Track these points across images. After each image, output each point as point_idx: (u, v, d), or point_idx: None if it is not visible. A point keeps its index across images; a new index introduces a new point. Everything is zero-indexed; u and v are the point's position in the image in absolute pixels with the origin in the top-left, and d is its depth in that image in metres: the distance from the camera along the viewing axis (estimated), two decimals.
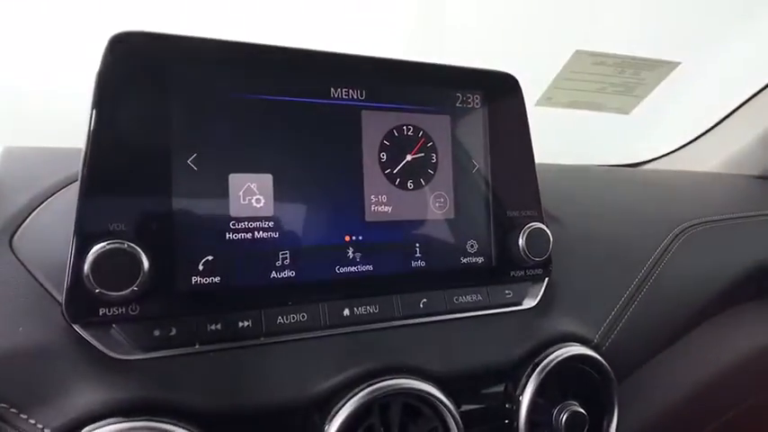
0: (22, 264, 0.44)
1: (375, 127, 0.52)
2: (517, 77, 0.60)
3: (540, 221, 0.57)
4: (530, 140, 0.59)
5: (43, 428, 0.38)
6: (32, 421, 0.38)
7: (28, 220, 0.47)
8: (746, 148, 1.05)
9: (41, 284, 0.43)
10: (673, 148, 1.18)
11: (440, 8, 1.07)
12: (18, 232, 0.46)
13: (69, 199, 0.49)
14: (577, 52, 0.86)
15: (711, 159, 1.10)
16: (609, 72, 0.91)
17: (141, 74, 0.43)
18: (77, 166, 0.51)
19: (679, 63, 0.89)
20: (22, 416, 0.38)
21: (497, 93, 0.58)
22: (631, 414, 0.60)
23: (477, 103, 0.57)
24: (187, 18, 0.84)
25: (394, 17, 1.02)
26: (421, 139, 0.54)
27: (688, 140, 1.17)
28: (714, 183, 0.96)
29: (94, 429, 0.37)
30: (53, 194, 0.50)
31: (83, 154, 0.42)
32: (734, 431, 0.74)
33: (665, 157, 1.19)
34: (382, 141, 0.52)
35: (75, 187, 0.50)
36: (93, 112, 0.42)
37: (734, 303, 0.75)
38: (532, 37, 1.09)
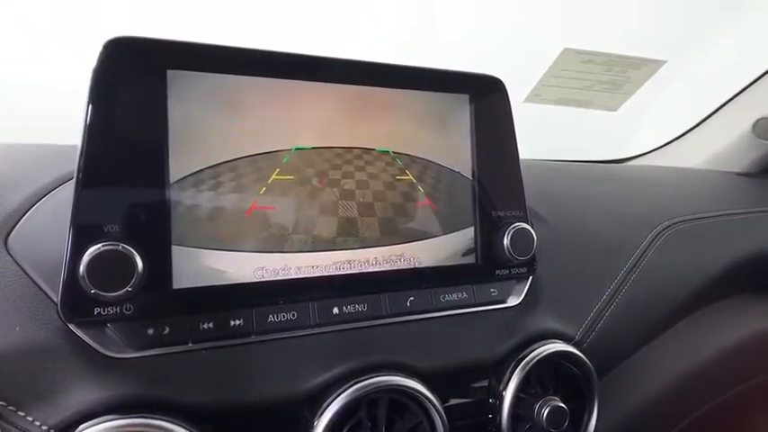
0: (18, 263, 0.45)
1: None
2: (503, 79, 0.61)
3: (524, 221, 0.58)
4: (515, 142, 0.60)
5: (41, 425, 0.39)
6: (30, 419, 0.39)
7: (23, 219, 0.48)
8: (730, 145, 1.07)
9: (36, 284, 0.44)
10: (658, 145, 1.20)
11: (429, 9, 1.08)
12: (13, 232, 0.47)
13: (63, 198, 0.50)
14: (565, 50, 0.87)
15: (696, 156, 1.12)
16: (596, 70, 0.92)
17: (136, 79, 0.44)
18: (70, 164, 0.52)
19: (665, 62, 0.91)
20: (20, 413, 0.39)
21: (483, 95, 0.59)
22: (612, 408, 0.62)
23: (463, 106, 0.58)
24: (181, 22, 0.84)
25: (383, 20, 1.03)
26: None
27: (673, 137, 1.19)
28: (697, 180, 0.98)
29: (91, 426, 0.39)
30: (48, 193, 0.50)
31: (77, 157, 0.42)
32: (711, 424, 0.76)
33: (650, 154, 1.21)
34: None
35: (69, 186, 0.51)
36: (88, 116, 0.42)
37: (715, 299, 0.77)
38: (520, 36, 1.10)
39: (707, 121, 1.14)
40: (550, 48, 0.87)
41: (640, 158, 1.23)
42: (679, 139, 1.19)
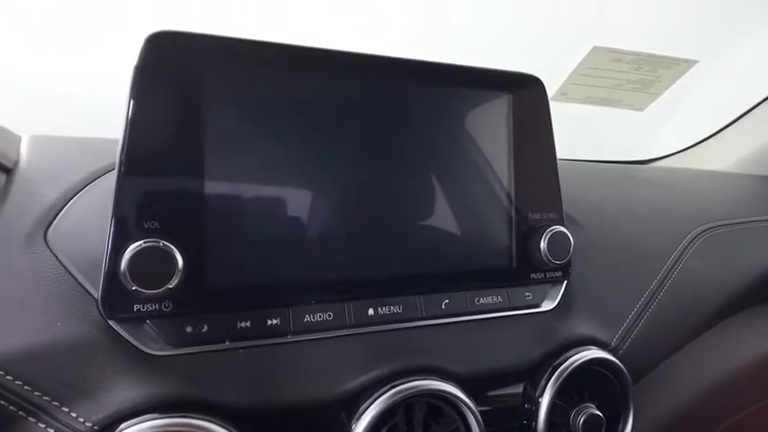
0: (57, 258, 0.45)
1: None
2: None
3: (561, 224, 0.57)
4: (553, 143, 0.59)
5: (84, 422, 0.39)
6: (74, 414, 0.39)
7: (61, 213, 0.48)
8: (762, 148, 1.05)
9: (76, 279, 0.44)
10: (686, 146, 1.18)
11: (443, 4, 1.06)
12: (52, 226, 0.47)
13: (100, 192, 0.50)
14: (595, 48, 0.85)
15: (725, 159, 1.10)
16: (625, 69, 0.91)
17: (177, 75, 0.44)
18: (105, 158, 0.52)
19: (696, 61, 0.89)
20: (64, 409, 0.39)
21: (522, 94, 0.58)
22: (645, 414, 0.61)
23: (502, 105, 0.57)
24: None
25: (397, 14, 1.02)
26: (447, 140, 0.54)
27: (702, 138, 1.17)
28: (730, 183, 0.96)
29: (133, 425, 0.38)
30: (85, 187, 0.50)
31: (118, 154, 0.42)
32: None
33: (677, 155, 1.19)
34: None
35: (105, 180, 0.51)
36: (129, 112, 0.42)
37: (748, 306, 0.76)
38: (548, 33, 1.08)
39: (737, 122, 1.12)
40: (571, 46, 0.86)
41: (666, 160, 1.21)
42: (707, 141, 1.17)
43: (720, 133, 1.14)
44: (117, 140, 0.43)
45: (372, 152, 0.51)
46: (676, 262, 0.69)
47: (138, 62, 0.43)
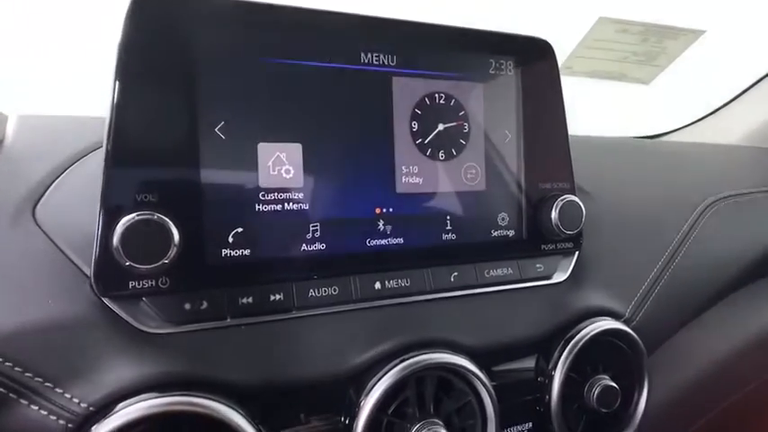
0: (47, 235, 0.43)
1: (406, 94, 0.50)
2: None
3: (572, 194, 0.55)
4: (563, 109, 0.57)
5: (80, 403, 0.37)
6: (68, 395, 0.37)
7: (50, 189, 0.46)
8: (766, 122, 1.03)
9: (67, 256, 0.42)
10: (694, 119, 1.16)
11: None
12: (40, 203, 0.45)
13: (89, 169, 0.48)
14: (601, 19, 0.83)
15: (734, 132, 1.07)
16: (632, 40, 0.88)
17: (165, 39, 0.41)
18: (93, 135, 0.50)
19: (704, 31, 0.87)
20: (57, 390, 0.37)
21: (531, 59, 0.55)
22: (657, 385, 0.59)
23: (510, 70, 0.55)
24: None
25: None
26: (453, 107, 0.52)
27: (710, 111, 1.14)
28: (740, 156, 0.95)
29: (131, 404, 0.37)
30: (73, 164, 0.48)
31: (106, 125, 0.40)
32: (756, 403, 0.74)
33: (686, 128, 1.16)
34: (414, 110, 0.50)
35: (95, 156, 0.49)
36: (117, 80, 0.40)
37: (760, 276, 0.74)
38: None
39: (745, 94, 1.09)
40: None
41: (677, 133, 1.18)
42: (712, 115, 1.15)
43: (725, 108, 1.11)
44: (105, 118, 0.40)
45: (374, 120, 0.49)
46: (689, 232, 0.67)
47: (123, 30, 0.40)
